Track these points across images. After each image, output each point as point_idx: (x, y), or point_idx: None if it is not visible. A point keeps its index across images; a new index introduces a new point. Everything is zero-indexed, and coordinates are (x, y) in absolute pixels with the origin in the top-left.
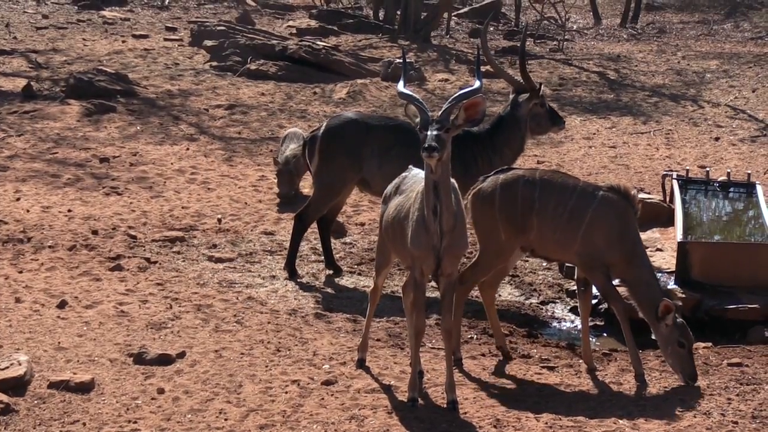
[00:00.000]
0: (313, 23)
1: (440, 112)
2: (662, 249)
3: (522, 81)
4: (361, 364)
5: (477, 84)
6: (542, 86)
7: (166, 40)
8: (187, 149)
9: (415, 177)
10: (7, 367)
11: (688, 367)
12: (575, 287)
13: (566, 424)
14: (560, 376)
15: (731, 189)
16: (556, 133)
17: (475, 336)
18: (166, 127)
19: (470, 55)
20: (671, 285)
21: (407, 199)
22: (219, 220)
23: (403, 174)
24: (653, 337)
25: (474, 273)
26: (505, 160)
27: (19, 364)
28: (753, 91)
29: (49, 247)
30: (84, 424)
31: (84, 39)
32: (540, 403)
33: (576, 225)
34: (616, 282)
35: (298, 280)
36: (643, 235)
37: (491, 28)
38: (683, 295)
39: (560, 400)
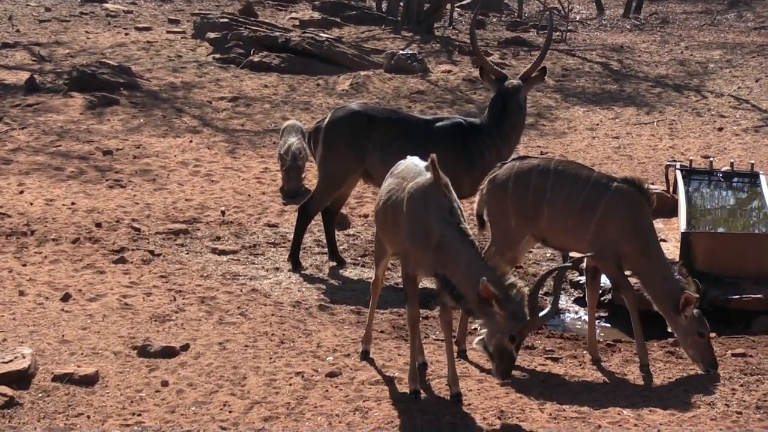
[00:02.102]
0: (316, 15)
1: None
2: (666, 240)
3: (534, 66)
4: (365, 355)
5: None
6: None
7: (169, 32)
8: (191, 141)
9: (407, 163)
10: (11, 360)
11: (709, 356)
12: (579, 278)
13: (570, 415)
14: (564, 367)
15: (735, 179)
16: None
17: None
18: (170, 120)
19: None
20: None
21: (400, 187)
22: (222, 213)
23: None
24: (669, 329)
25: None
26: (512, 146)
27: (23, 357)
28: (756, 81)
29: (53, 240)
30: (88, 417)
31: (87, 32)
32: (544, 393)
33: (589, 216)
34: (628, 273)
35: (302, 271)
36: None
37: (494, 19)
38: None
39: (564, 390)
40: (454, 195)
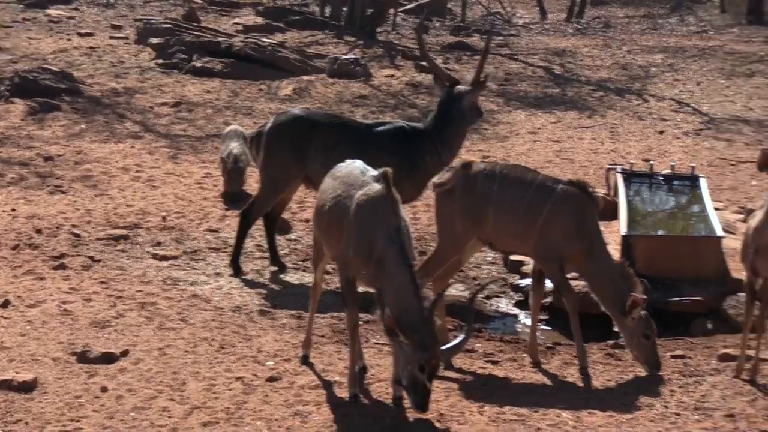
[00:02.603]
0: (259, 20)
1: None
2: (606, 242)
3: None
4: (305, 360)
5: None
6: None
7: (111, 38)
8: (132, 147)
9: (351, 167)
10: None
11: (653, 358)
12: (520, 281)
13: (510, 417)
14: (504, 370)
15: (675, 182)
16: (477, 125)
17: None
18: (111, 125)
19: (415, 50)
20: None
21: (347, 194)
22: (163, 218)
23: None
24: (615, 329)
25: (431, 265)
26: (454, 152)
27: None
28: (697, 85)
29: None
30: (26, 423)
31: (29, 37)
32: (484, 396)
33: (533, 219)
34: (573, 275)
35: (243, 276)
36: None
37: (438, 24)
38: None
39: (504, 393)
40: (404, 213)
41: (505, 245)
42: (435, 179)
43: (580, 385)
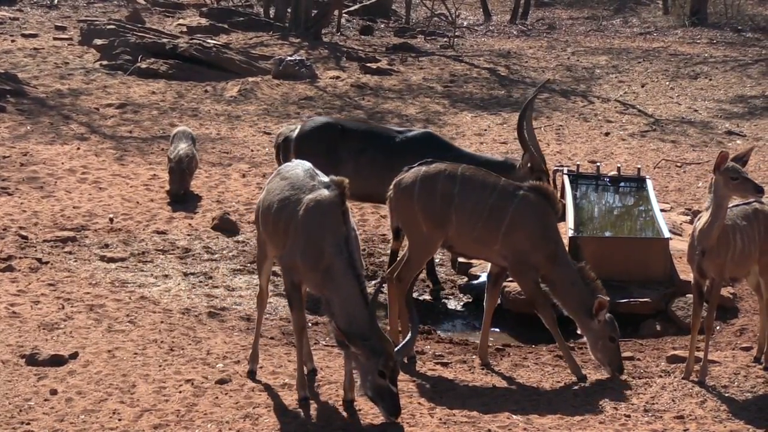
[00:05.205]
0: (204, 21)
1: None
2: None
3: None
4: (251, 375)
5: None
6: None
7: (55, 39)
8: (78, 149)
9: (298, 170)
10: None
11: (617, 360)
12: (471, 282)
13: (460, 419)
14: (454, 372)
15: (622, 184)
16: None
17: None
18: (57, 127)
19: (360, 52)
20: None
21: (296, 198)
22: (111, 220)
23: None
24: (578, 332)
25: (408, 269)
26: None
27: None
28: (642, 86)
29: None
30: None
31: None
32: (434, 398)
33: (497, 224)
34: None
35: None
36: None
37: (382, 25)
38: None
39: (454, 395)
40: (353, 223)
41: (466, 249)
42: (396, 179)
43: (530, 386)
